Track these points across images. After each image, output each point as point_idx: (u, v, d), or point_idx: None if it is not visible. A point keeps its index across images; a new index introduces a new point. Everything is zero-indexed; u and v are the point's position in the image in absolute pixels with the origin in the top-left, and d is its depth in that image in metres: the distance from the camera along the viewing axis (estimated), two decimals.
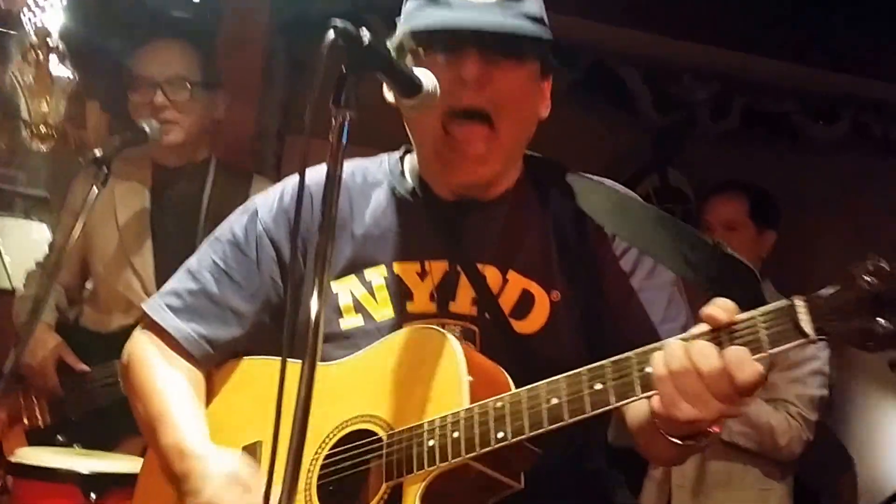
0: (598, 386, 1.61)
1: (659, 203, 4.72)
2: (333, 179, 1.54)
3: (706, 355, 1.51)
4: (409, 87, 1.67)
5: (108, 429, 3.30)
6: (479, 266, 1.92)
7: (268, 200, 2.06)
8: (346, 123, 1.55)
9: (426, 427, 1.73)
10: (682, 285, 1.98)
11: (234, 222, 2.07)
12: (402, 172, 2.02)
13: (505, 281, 1.92)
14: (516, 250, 1.94)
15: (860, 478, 4.59)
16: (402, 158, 2.05)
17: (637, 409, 1.76)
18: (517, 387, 1.73)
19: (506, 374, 1.77)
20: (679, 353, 1.53)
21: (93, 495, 2.80)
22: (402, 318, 1.92)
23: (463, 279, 1.92)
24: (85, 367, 3.37)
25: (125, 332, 3.28)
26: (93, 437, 3.28)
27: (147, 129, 3.15)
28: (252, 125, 4.14)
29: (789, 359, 3.49)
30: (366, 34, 1.57)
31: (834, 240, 4.69)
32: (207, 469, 1.82)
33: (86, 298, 3.53)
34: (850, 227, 4.79)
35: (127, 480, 2.78)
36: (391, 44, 1.88)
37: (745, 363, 1.49)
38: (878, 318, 1.45)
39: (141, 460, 2.98)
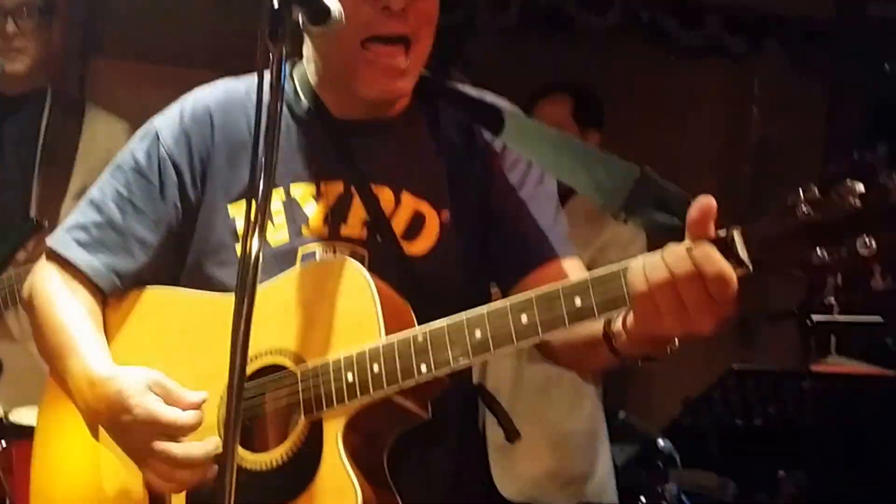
0: (525, 318, 1.62)
1: None
2: (275, 117, 1.53)
3: (679, 259, 1.47)
4: (321, 14, 1.67)
5: None
6: (374, 187, 1.93)
7: (167, 122, 2.02)
8: (285, 57, 1.56)
9: (343, 361, 1.74)
10: None
11: (136, 148, 2.03)
12: (296, 91, 2.00)
13: (398, 202, 1.94)
14: (409, 170, 1.96)
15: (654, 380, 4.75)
16: (290, 75, 2.02)
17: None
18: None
19: (408, 304, 1.80)
20: (658, 263, 1.49)
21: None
22: (296, 241, 1.93)
23: (356, 201, 1.93)
24: None
25: None
26: None
27: None
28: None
29: (612, 260, 3.53)
30: None
31: (618, 130, 4.75)
32: (123, 385, 1.80)
33: None
34: (628, 117, 4.87)
35: None
36: None
37: (712, 257, 1.44)
38: (815, 248, 1.43)
39: None
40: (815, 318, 3.11)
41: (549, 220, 1.97)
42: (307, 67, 1.99)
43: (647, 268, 1.51)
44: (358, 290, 1.76)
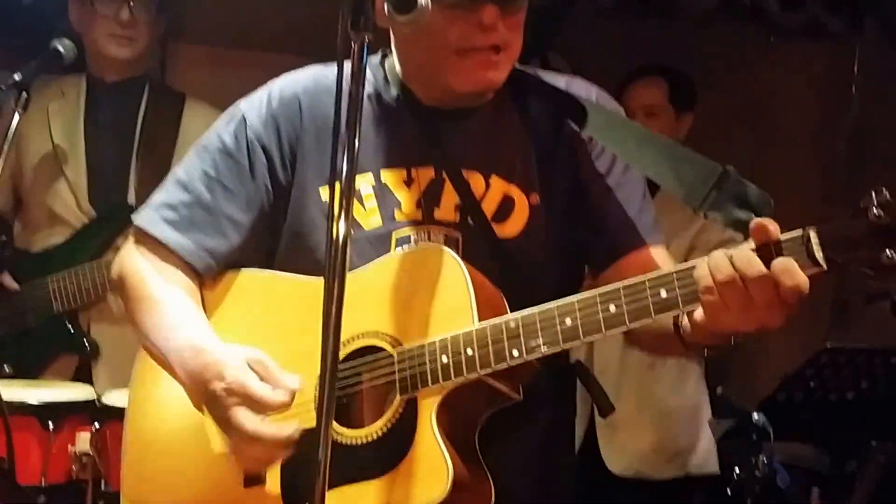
0: (613, 308, 1.71)
1: None
2: (356, 102, 1.58)
3: (751, 263, 1.57)
4: (407, 2, 1.70)
5: (36, 349, 3.40)
6: (464, 172, 1.99)
7: (254, 105, 2.07)
8: (366, 45, 1.60)
9: (438, 344, 1.82)
10: None
11: (222, 129, 2.07)
12: (385, 78, 2.05)
13: (487, 186, 2.00)
14: (498, 156, 2.02)
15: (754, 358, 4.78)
16: (381, 64, 2.09)
17: None
18: (502, 292, 1.87)
19: (500, 292, 1.88)
20: (724, 263, 1.59)
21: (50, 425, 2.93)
22: (390, 225, 1.99)
23: (448, 186, 1.99)
24: (16, 286, 3.39)
25: (52, 252, 3.41)
26: (22, 358, 3.38)
27: (61, 49, 3.09)
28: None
29: (712, 241, 3.61)
30: None
31: (717, 111, 4.78)
32: (224, 356, 1.87)
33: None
34: (728, 97, 4.90)
35: (80, 408, 2.99)
36: None
37: (792, 271, 1.55)
38: (886, 249, 1.54)
39: (89, 387, 3.19)
40: None
41: (637, 208, 2.03)
42: (395, 59, 2.05)
43: (712, 266, 1.61)
44: (452, 277, 1.84)
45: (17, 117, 2.91)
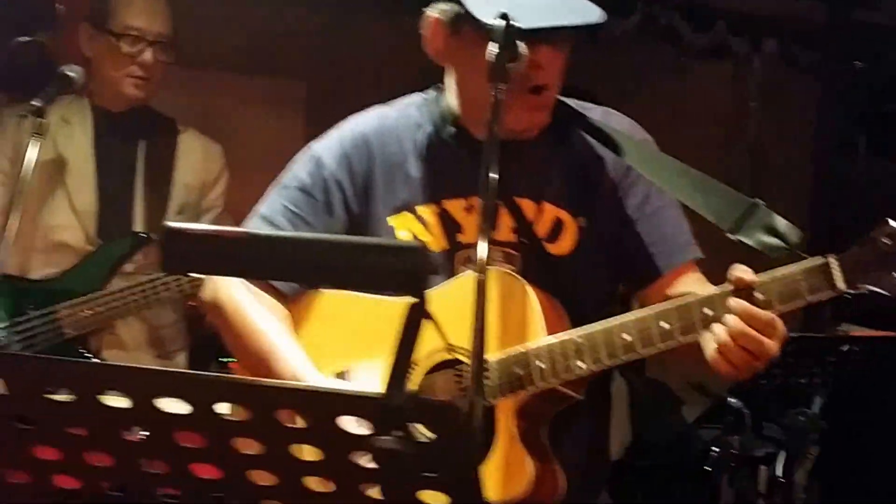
0: (665, 325, 1.93)
1: None
2: (494, 142, 1.78)
3: (747, 333, 1.84)
4: (514, 52, 1.86)
5: None
6: (517, 199, 2.19)
7: (328, 146, 2.25)
8: (502, 95, 1.81)
9: (512, 357, 2.01)
10: None
11: (299, 169, 2.25)
12: (442, 117, 2.24)
13: (539, 211, 2.19)
14: (547, 184, 2.21)
15: None
16: (436, 102, 2.26)
17: None
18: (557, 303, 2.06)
19: (560, 304, 2.08)
20: (741, 326, 1.85)
21: None
22: (455, 248, 2.18)
23: (504, 211, 2.17)
24: None
25: (57, 278, 3.31)
26: None
27: (73, 74, 3.05)
28: None
29: None
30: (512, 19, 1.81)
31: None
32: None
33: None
34: (645, 114, 5.28)
35: None
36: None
37: (778, 326, 1.85)
38: (894, 272, 1.81)
39: None
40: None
41: (677, 227, 2.22)
42: (448, 97, 2.22)
43: (719, 341, 1.86)
44: (521, 297, 2.03)
45: (35, 145, 2.85)
